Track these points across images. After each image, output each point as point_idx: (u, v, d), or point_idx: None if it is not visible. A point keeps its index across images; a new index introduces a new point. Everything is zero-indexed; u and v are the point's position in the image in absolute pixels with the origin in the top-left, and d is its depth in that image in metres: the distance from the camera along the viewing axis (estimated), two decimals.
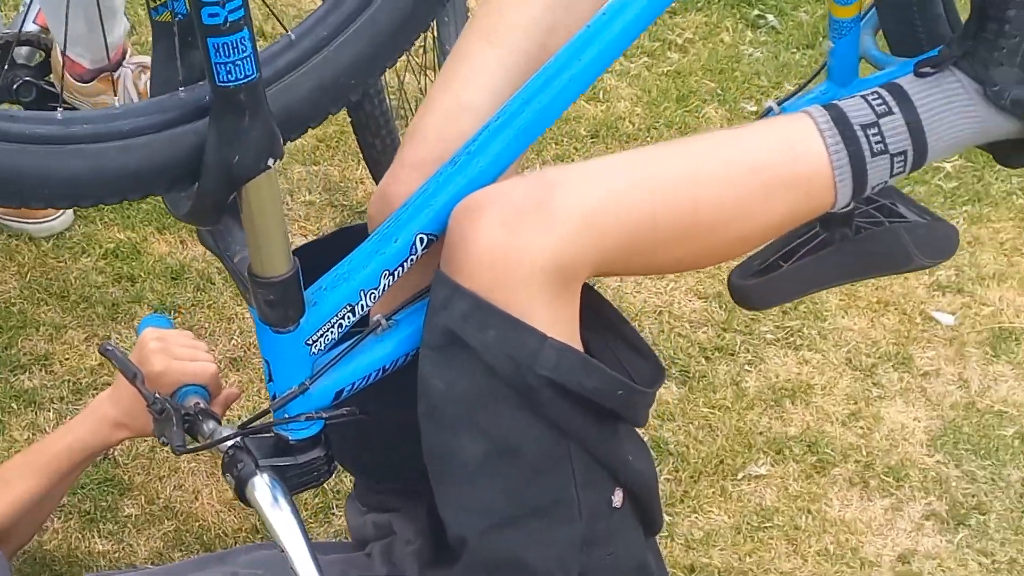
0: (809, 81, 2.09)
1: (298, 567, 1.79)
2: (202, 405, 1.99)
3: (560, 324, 1.70)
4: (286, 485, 1.85)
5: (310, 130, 1.78)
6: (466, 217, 1.70)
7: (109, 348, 2.04)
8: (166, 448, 2.42)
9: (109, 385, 2.48)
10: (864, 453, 2.58)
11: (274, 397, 1.83)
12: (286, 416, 1.84)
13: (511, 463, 1.73)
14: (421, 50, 2.95)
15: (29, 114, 1.62)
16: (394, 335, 1.87)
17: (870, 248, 1.91)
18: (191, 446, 1.89)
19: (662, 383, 1.86)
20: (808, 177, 1.75)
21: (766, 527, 2.44)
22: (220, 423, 1.96)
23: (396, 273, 1.82)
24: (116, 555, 2.38)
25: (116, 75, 2.67)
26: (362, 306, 1.82)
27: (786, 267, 1.97)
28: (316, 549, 1.94)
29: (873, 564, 2.39)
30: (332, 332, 1.82)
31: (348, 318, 1.81)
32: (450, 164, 1.83)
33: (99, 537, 2.39)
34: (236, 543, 2.41)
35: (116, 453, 2.56)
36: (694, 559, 2.37)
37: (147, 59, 2.77)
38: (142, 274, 2.86)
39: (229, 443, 1.86)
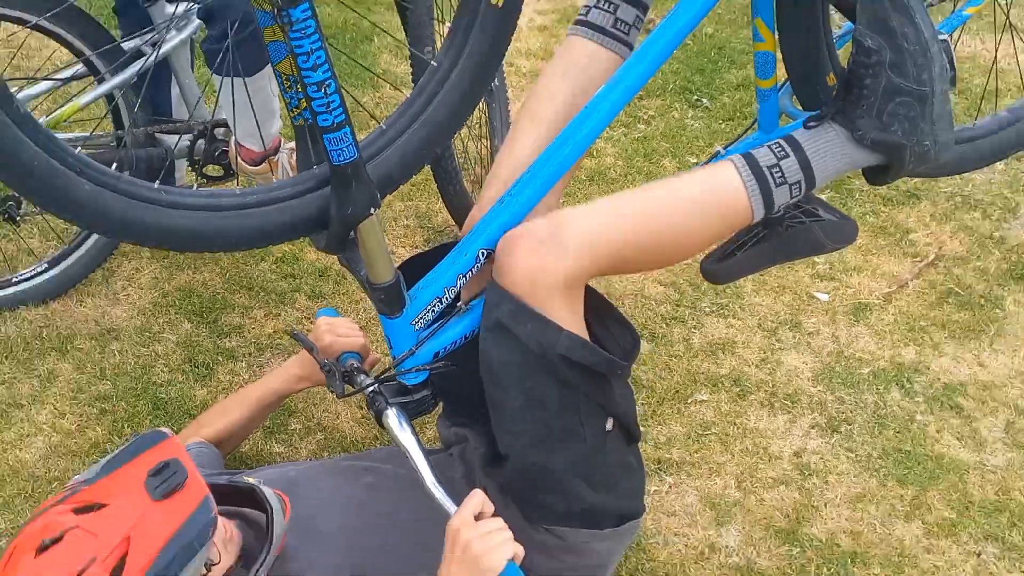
0: (744, 132, 2.09)
1: (419, 466, 1.80)
2: (356, 364, 1.99)
3: (571, 316, 1.74)
4: (407, 414, 1.88)
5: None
6: (507, 246, 1.73)
7: (295, 332, 2.08)
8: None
9: (281, 347, 2.56)
10: (770, 385, 2.56)
11: (394, 359, 1.86)
12: (402, 370, 1.87)
13: (538, 408, 1.77)
14: (476, 124, 2.92)
15: (217, 190, 1.66)
16: (468, 316, 1.90)
17: (795, 240, 1.90)
18: (347, 392, 1.94)
19: (638, 353, 1.88)
20: (732, 203, 1.76)
21: (707, 434, 2.43)
22: (368, 375, 1.96)
23: (467, 275, 1.84)
24: (286, 455, 2.39)
25: (275, 158, 2.66)
26: (446, 298, 1.85)
27: (739, 255, 1.98)
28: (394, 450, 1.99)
29: (776, 457, 2.37)
30: (428, 315, 1.85)
31: (437, 306, 1.85)
32: (499, 203, 1.85)
33: (276, 443, 2.40)
34: (364, 447, 2.41)
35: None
36: (660, 455, 2.37)
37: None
38: (300, 273, 2.85)
39: (369, 389, 1.88)
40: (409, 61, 2.75)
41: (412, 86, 2.48)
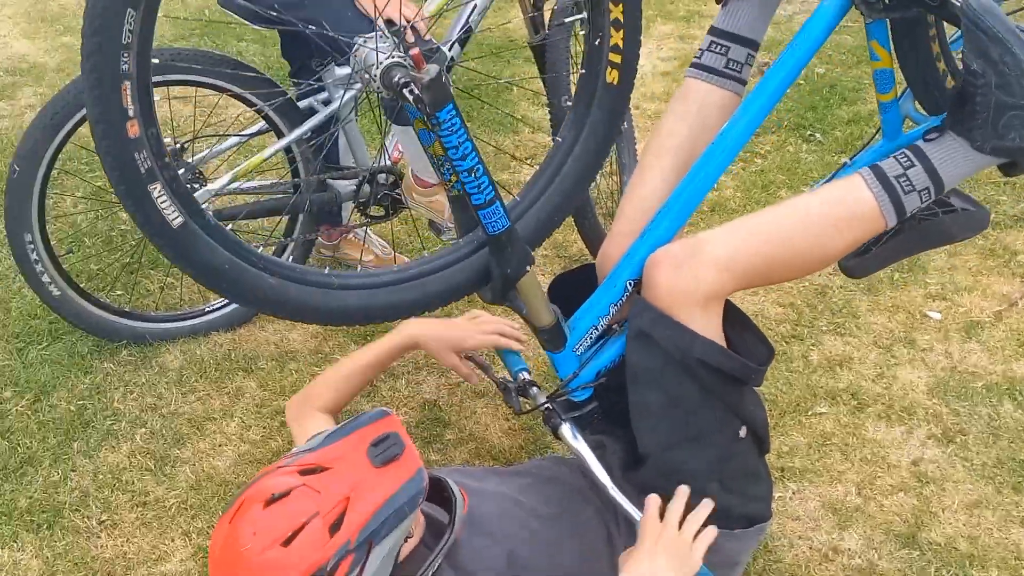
0: (870, 141, 2.11)
1: (598, 474, 1.86)
2: (527, 377, 2.03)
3: (709, 326, 1.78)
4: (579, 427, 1.94)
5: None
6: (653, 265, 1.79)
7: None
8: (470, 397, 2.57)
9: (436, 367, 2.62)
10: (887, 399, 2.58)
11: (562, 381, 1.97)
12: (570, 389, 1.97)
13: (677, 409, 1.81)
14: (607, 162, 2.92)
15: (386, 268, 1.79)
16: (622, 337, 1.93)
17: (928, 233, 1.91)
18: (525, 409, 2.00)
19: (772, 362, 1.90)
20: (863, 214, 1.77)
21: (827, 444, 2.45)
22: (540, 389, 2.00)
23: (618, 304, 1.91)
24: (442, 462, 2.44)
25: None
26: (601, 326, 1.93)
27: (874, 250, 1.97)
28: (521, 465, 2.11)
29: (895, 466, 2.38)
30: (587, 341, 1.93)
31: (594, 333, 1.94)
32: (641, 236, 1.91)
33: (432, 452, 2.46)
34: (512, 455, 2.45)
35: (439, 401, 2.62)
36: (783, 464, 2.39)
37: None
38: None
39: (544, 407, 1.96)
40: (548, 108, 2.84)
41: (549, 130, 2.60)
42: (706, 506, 1.75)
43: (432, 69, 1.54)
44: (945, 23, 1.87)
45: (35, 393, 2.61)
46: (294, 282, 1.64)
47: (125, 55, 1.36)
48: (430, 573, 1.70)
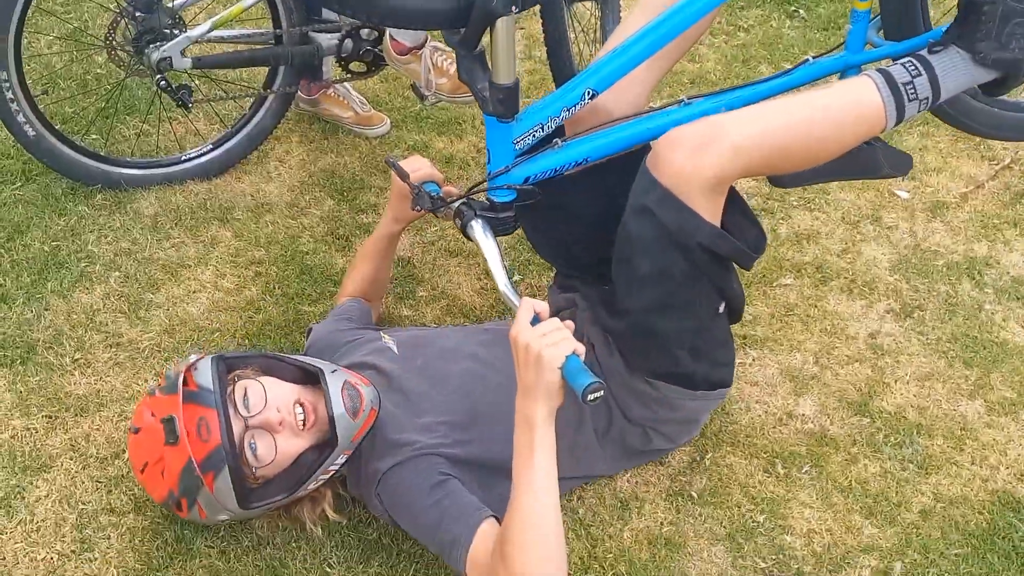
0: (832, 50, 2.08)
1: (493, 270, 1.89)
2: (437, 194, 2.06)
3: (712, 210, 1.77)
4: (492, 227, 1.95)
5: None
6: (668, 143, 1.75)
7: (390, 159, 2.12)
8: (443, 255, 2.56)
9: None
10: (850, 273, 2.59)
11: (489, 174, 1.94)
12: (496, 185, 1.94)
13: (665, 279, 1.80)
14: (591, 30, 2.92)
15: None
16: (561, 152, 1.94)
17: (859, 158, 1.89)
18: (434, 205, 2.01)
19: (764, 248, 1.93)
20: (869, 116, 1.78)
21: (789, 315, 2.47)
22: (445, 198, 2.03)
23: (572, 110, 1.90)
24: (414, 319, 2.47)
25: (420, 52, 2.71)
26: (548, 127, 1.91)
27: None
28: None
29: (852, 338, 2.41)
30: (529, 138, 1.90)
31: (539, 132, 1.92)
32: (607, 55, 1.93)
33: (404, 308, 2.48)
34: (482, 313, 2.47)
35: (413, 259, 2.62)
36: (746, 332, 2.41)
37: (440, 44, 2.77)
38: (427, 159, 2.86)
39: (458, 203, 1.97)
40: None
41: None
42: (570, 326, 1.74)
43: None
44: None
45: (8, 232, 2.60)
46: None
47: None
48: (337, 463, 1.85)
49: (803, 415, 2.23)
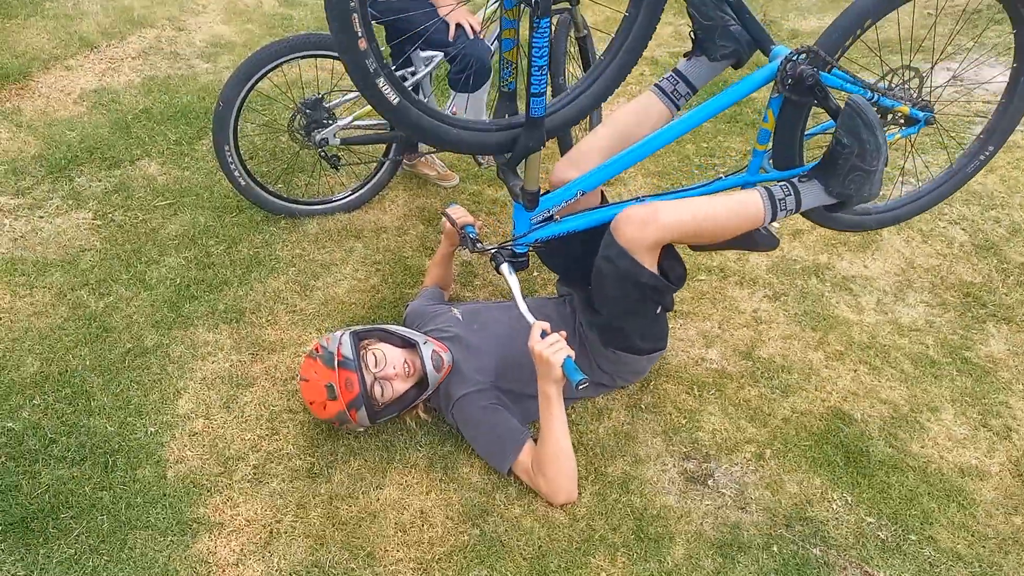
0: (736, 172, 1.95)
1: (517, 299, 1.80)
2: (475, 236, 1.96)
3: (651, 260, 1.72)
4: (514, 267, 1.87)
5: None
6: (624, 218, 1.69)
7: (444, 211, 2.06)
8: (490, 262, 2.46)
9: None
10: (742, 272, 2.49)
11: (514, 236, 1.87)
12: (518, 244, 1.87)
13: (623, 299, 1.75)
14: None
15: (466, 119, 1.62)
16: (560, 225, 1.86)
17: (746, 239, 1.79)
18: (479, 248, 1.93)
19: (684, 281, 1.87)
20: (753, 215, 1.74)
21: (702, 298, 2.40)
22: (482, 242, 1.94)
23: (566, 203, 1.85)
24: (472, 297, 2.34)
25: None
26: (552, 211, 1.85)
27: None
28: (535, 300, 2.03)
29: (742, 312, 2.34)
30: (540, 217, 1.84)
31: (546, 214, 1.86)
32: (589, 173, 1.82)
33: (466, 291, 2.40)
34: None
35: (472, 260, 2.55)
36: (678, 309, 2.32)
37: None
38: (483, 201, 2.79)
39: (493, 251, 1.89)
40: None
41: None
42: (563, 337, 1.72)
43: None
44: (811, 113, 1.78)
45: (228, 243, 2.60)
46: (460, 128, 1.59)
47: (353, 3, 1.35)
48: (423, 397, 1.82)
49: (710, 359, 2.21)
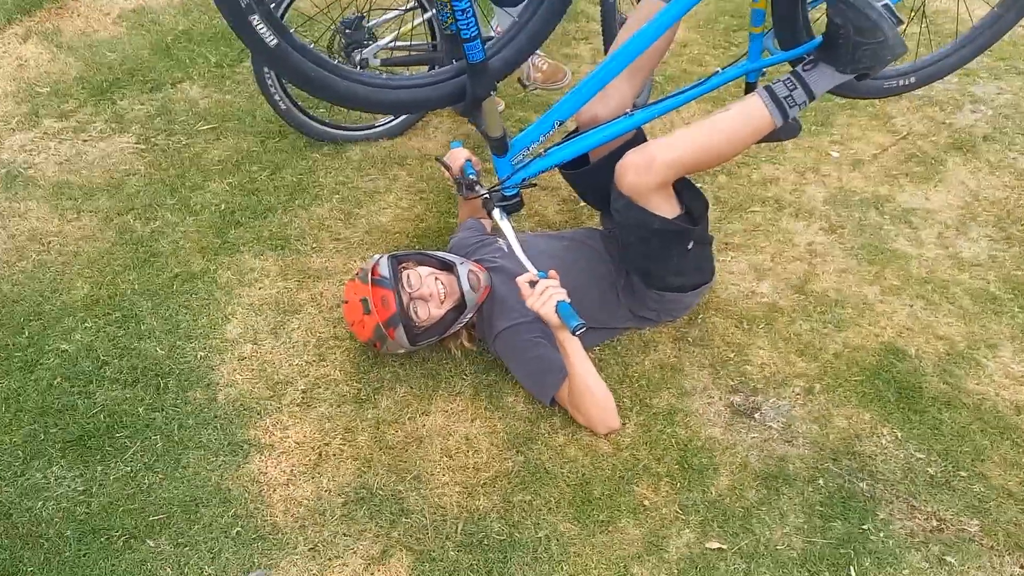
0: (736, 60, 1.91)
1: (512, 243, 1.77)
2: (473, 178, 1.88)
3: (663, 201, 1.72)
4: (506, 211, 1.84)
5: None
6: (622, 168, 1.68)
7: (439, 159, 2.00)
8: (537, 191, 2.44)
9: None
10: (797, 204, 2.47)
11: (500, 179, 1.83)
12: (506, 187, 1.82)
13: (644, 245, 1.77)
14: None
15: (396, 76, 1.53)
16: (544, 159, 1.82)
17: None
18: (471, 195, 1.87)
19: (707, 212, 1.82)
20: (759, 124, 1.70)
21: (756, 230, 2.36)
22: (482, 186, 1.87)
23: (546, 135, 1.78)
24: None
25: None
26: (531, 149, 1.81)
27: None
28: (542, 238, 2.00)
29: (796, 245, 2.31)
30: (519, 157, 1.80)
31: (525, 152, 1.80)
32: (570, 92, 1.75)
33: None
34: (562, 226, 2.36)
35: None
36: (728, 240, 2.31)
37: (537, 57, 2.56)
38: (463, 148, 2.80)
39: (484, 194, 1.84)
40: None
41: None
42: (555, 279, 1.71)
43: None
44: None
45: (272, 169, 2.62)
46: (357, 82, 1.46)
47: None
48: (463, 322, 1.83)
49: (761, 293, 2.19)
